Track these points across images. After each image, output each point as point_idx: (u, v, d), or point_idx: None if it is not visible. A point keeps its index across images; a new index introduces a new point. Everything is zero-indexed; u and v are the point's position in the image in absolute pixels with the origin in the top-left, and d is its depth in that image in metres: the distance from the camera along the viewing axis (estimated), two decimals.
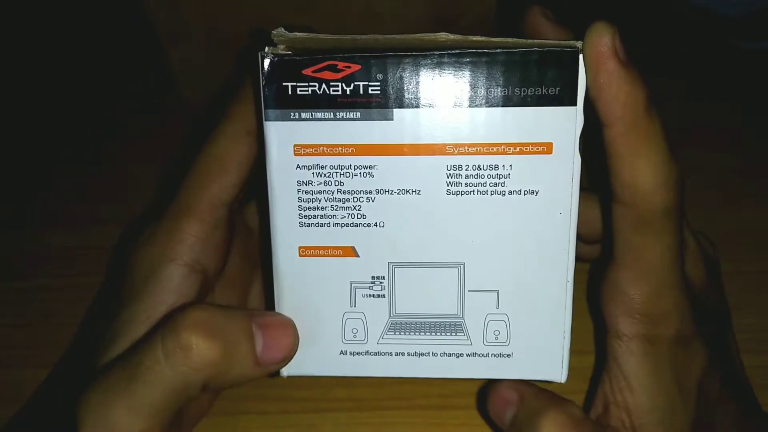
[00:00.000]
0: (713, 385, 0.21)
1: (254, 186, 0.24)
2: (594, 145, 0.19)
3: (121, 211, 0.35)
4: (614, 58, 0.17)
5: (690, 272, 0.22)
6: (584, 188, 0.20)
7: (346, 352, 0.21)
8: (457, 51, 0.19)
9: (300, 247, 0.20)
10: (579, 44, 0.18)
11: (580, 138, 0.19)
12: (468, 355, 0.21)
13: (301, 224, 0.20)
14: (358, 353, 0.21)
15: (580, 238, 0.26)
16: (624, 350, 0.20)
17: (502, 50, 0.19)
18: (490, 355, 0.21)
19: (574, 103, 0.19)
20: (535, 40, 0.19)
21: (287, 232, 0.20)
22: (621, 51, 0.18)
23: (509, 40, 0.19)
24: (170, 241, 0.21)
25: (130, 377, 0.18)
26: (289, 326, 0.21)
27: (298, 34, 0.19)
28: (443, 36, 0.18)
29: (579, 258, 0.27)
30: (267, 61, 0.19)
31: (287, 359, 0.21)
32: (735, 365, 0.24)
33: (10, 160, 0.41)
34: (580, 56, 0.18)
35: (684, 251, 0.22)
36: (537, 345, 0.21)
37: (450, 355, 0.21)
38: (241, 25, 0.34)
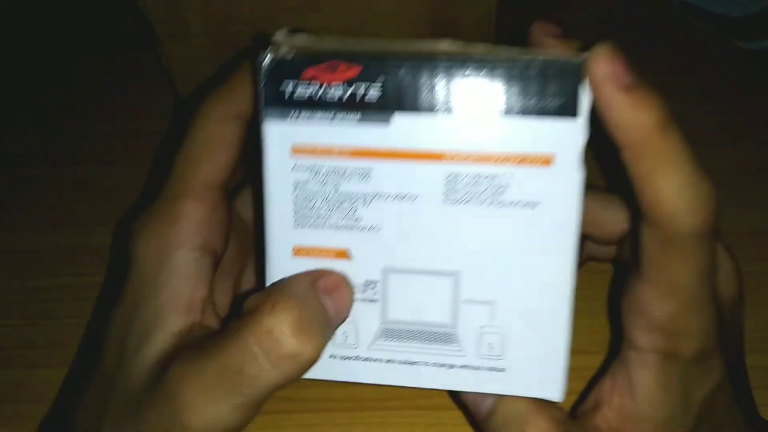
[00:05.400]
0: (723, 399, 0.21)
1: (246, 176, 0.24)
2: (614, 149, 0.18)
3: (120, 212, 0.35)
4: (611, 83, 0.17)
5: (721, 289, 0.22)
6: (601, 187, 0.19)
7: (335, 356, 0.21)
8: (459, 59, 0.18)
9: (294, 247, 0.20)
10: (582, 56, 0.18)
11: (583, 150, 0.18)
12: (460, 366, 0.20)
13: (296, 224, 0.20)
14: (348, 358, 0.21)
15: (593, 240, 0.25)
16: (637, 361, 0.20)
17: (504, 60, 0.18)
18: (483, 368, 0.20)
19: (577, 116, 0.18)
20: (540, 50, 0.18)
21: (282, 231, 0.20)
22: (622, 75, 0.17)
23: (513, 49, 0.18)
24: (174, 227, 0.20)
25: (234, 386, 0.18)
26: (345, 282, 0.20)
27: (299, 37, 0.19)
28: (445, 44, 0.18)
29: (594, 258, 0.27)
30: (267, 61, 0.19)
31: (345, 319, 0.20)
32: (746, 378, 0.24)
33: (9, 160, 0.41)
34: (583, 67, 0.18)
35: (717, 268, 0.21)
36: (533, 361, 0.20)
37: (442, 365, 0.21)
38: (241, 24, 0.34)
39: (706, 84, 0.42)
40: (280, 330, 0.18)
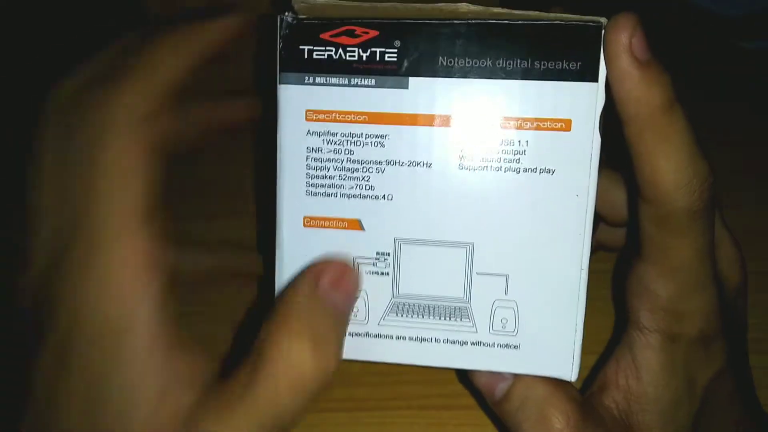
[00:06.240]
0: (724, 387, 0.20)
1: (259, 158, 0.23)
2: (619, 124, 0.18)
3: None
4: (627, 55, 0.17)
5: (724, 273, 0.22)
6: (610, 166, 0.19)
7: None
8: (477, 21, 0.18)
9: (305, 217, 0.20)
10: (603, 20, 0.18)
11: (601, 116, 0.18)
12: (473, 343, 0.20)
13: (308, 193, 0.20)
14: (358, 334, 0.20)
15: (605, 221, 0.25)
16: (642, 341, 0.20)
17: (524, 21, 0.18)
18: (496, 345, 0.20)
19: (595, 80, 0.18)
20: (559, 14, 0.18)
21: (293, 200, 0.20)
22: (639, 48, 0.17)
23: (531, 12, 0.18)
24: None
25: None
26: (348, 268, 0.19)
27: (319, 0, 0.19)
28: (464, 6, 0.18)
29: (603, 247, 0.27)
30: (285, 24, 0.19)
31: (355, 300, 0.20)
32: (748, 370, 0.23)
33: (8, 160, 0.41)
34: (603, 31, 0.18)
35: (719, 252, 0.21)
36: (546, 337, 0.20)
37: (454, 342, 0.20)
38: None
39: (705, 84, 0.42)
40: (301, 360, 0.17)
